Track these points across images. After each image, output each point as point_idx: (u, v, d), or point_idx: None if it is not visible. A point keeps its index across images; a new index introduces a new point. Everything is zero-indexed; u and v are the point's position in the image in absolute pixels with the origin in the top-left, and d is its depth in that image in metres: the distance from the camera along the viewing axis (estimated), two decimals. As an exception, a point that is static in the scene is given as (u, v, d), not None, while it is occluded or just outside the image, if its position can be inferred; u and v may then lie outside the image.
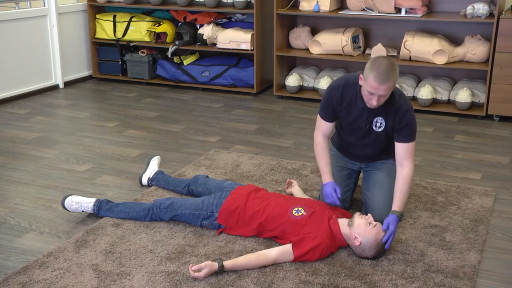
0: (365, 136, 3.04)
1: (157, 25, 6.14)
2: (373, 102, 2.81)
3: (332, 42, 5.41)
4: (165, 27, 6.11)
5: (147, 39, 6.16)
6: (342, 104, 2.98)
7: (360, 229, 2.74)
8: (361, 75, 2.85)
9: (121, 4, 6.22)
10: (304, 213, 2.87)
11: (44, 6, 5.92)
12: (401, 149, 2.93)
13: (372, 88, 2.75)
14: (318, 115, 3.09)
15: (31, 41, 5.79)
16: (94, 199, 3.21)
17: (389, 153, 3.13)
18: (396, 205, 2.88)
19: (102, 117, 5.13)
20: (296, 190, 3.39)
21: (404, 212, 3.00)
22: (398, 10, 5.20)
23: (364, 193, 3.18)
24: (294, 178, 3.67)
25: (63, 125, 4.95)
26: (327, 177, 3.04)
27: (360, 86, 2.89)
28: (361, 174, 3.33)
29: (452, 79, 5.43)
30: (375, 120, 2.97)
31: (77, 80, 6.39)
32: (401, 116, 2.90)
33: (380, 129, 2.98)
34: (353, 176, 3.25)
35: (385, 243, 2.76)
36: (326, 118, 3.06)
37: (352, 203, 3.29)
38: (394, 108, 2.90)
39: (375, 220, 2.81)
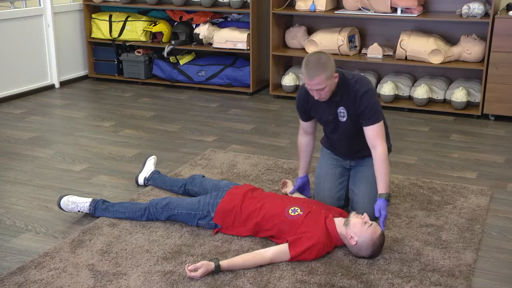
0: (336, 128, 3.11)
1: (153, 24, 6.13)
2: (315, 96, 2.92)
3: (328, 41, 5.41)
4: (161, 27, 6.11)
5: (143, 38, 6.16)
6: (309, 102, 3.08)
7: (356, 228, 2.75)
8: None
9: (117, 3, 6.21)
10: (301, 213, 2.87)
11: (40, 5, 5.91)
12: (369, 132, 2.97)
13: (306, 84, 2.89)
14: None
15: (27, 41, 5.78)
16: (90, 199, 3.20)
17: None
18: (381, 188, 2.93)
19: (98, 117, 5.12)
20: (291, 189, 3.39)
21: (390, 192, 3.03)
22: (394, 9, 5.21)
23: (350, 189, 3.22)
24: (290, 178, 3.67)
25: (59, 125, 4.94)
26: (300, 172, 3.31)
27: None
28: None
29: (448, 78, 5.44)
30: (338, 111, 3.03)
31: (73, 80, 6.38)
32: (359, 99, 2.94)
33: (344, 119, 3.03)
34: (346, 174, 3.27)
35: (381, 243, 2.77)
36: (301, 117, 3.21)
37: (347, 201, 3.29)
38: (351, 94, 2.96)
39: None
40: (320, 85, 2.84)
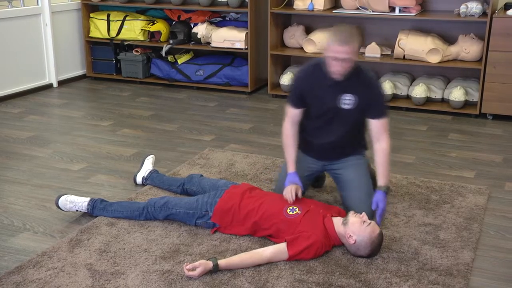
0: (333, 117, 3.03)
1: (151, 24, 6.13)
2: (337, 68, 2.84)
3: (326, 41, 5.40)
4: (159, 26, 6.11)
5: (141, 38, 6.16)
6: (309, 84, 3.01)
7: (354, 227, 2.75)
8: (325, 47, 2.90)
9: (115, 3, 6.21)
10: (299, 212, 2.87)
11: (38, 4, 5.90)
12: (377, 125, 2.96)
13: (334, 52, 2.80)
14: (287, 104, 3.13)
15: (25, 40, 5.77)
16: (88, 199, 3.20)
17: (354, 145, 3.13)
18: (381, 181, 2.94)
19: (96, 116, 5.12)
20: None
21: (389, 185, 3.03)
22: (392, 9, 5.21)
23: (340, 195, 3.21)
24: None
25: (57, 124, 4.94)
26: (290, 167, 3.10)
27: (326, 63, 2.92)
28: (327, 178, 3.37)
29: (446, 77, 5.45)
30: (342, 97, 2.97)
31: (71, 79, 6.37)
32: (375, 90, 2.95)
33: (349, 107, 2.98)
34: (313, 176, 3.26)
35: (380, 242, 2.77)
36: (294, 104, 3.08)
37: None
38: (366, 81, 2.94)
39: None
40: (348, 54, 2.78)
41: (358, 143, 3.17)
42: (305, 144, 3.19)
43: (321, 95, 2.99)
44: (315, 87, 2.99)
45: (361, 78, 2.93)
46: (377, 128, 2.96)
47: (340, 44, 2.77)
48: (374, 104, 2.94)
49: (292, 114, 3.10)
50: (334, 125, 3.05)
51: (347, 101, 2.96)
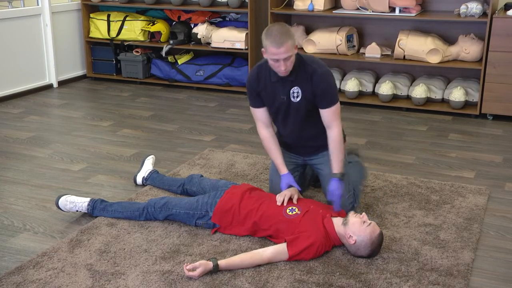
0: (287, 112, 3.06)
1: (151, 24, 6.13)
2: (281, 68, 2.86)
3: (326, 41, 5.41)
4: (159, 26, 6.11)
5: (141, 38, 6.16)
6: (260, 84, 3.04)
7: (355, 227, 2.75)
8: (263, 49, 2.90)
9: (115, 3, 6.21)
10: (298, 212, 2.87)
11: (38, 5, 5.91)
12: (327, 114, 2.98)
13: (273, 54, 2.82)
14: (251, 108, 3.15)
15: (25, 40, 5.77)
16: (88, 199, 3.20)
17: (324, 139, 3.10)
18: (336, 167, 2.98)
19: (96, 117, 5.12)
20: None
21: (344, 171, 3.04)
22: (392, 9, 5.21)
23: (323, 190, 3.25)
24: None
25: (57, 124, 4.94)
26: (281, 169, 3.10)
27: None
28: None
29: (446, 78, 5.44)
30: (291, 91, 3.00)
31: (71, 80, 6.37)
32: (317, 80, 2.93)
33: (298, 99, 3.00)
34: (298, 170, 3.27)
35: (380, 242, 2.77)
36: (255, 104, 3.11)
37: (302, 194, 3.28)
38: (308, 73, 2.94)
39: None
40: (288, 53, 2.81)
41: None
42: (281, 142, 3.23)
43: (272, 91, 3.03)
44: (265, 85, 3.03)
45: (304, 70, 2.95)
46: (326, 116, 2.99)
47: (276, 46, 2.79)
48: (319, 94, 2.96)
49: (259, 116, 3.13)
50: (291, 120, 3.09)
51: (295, 94, 3.00)
